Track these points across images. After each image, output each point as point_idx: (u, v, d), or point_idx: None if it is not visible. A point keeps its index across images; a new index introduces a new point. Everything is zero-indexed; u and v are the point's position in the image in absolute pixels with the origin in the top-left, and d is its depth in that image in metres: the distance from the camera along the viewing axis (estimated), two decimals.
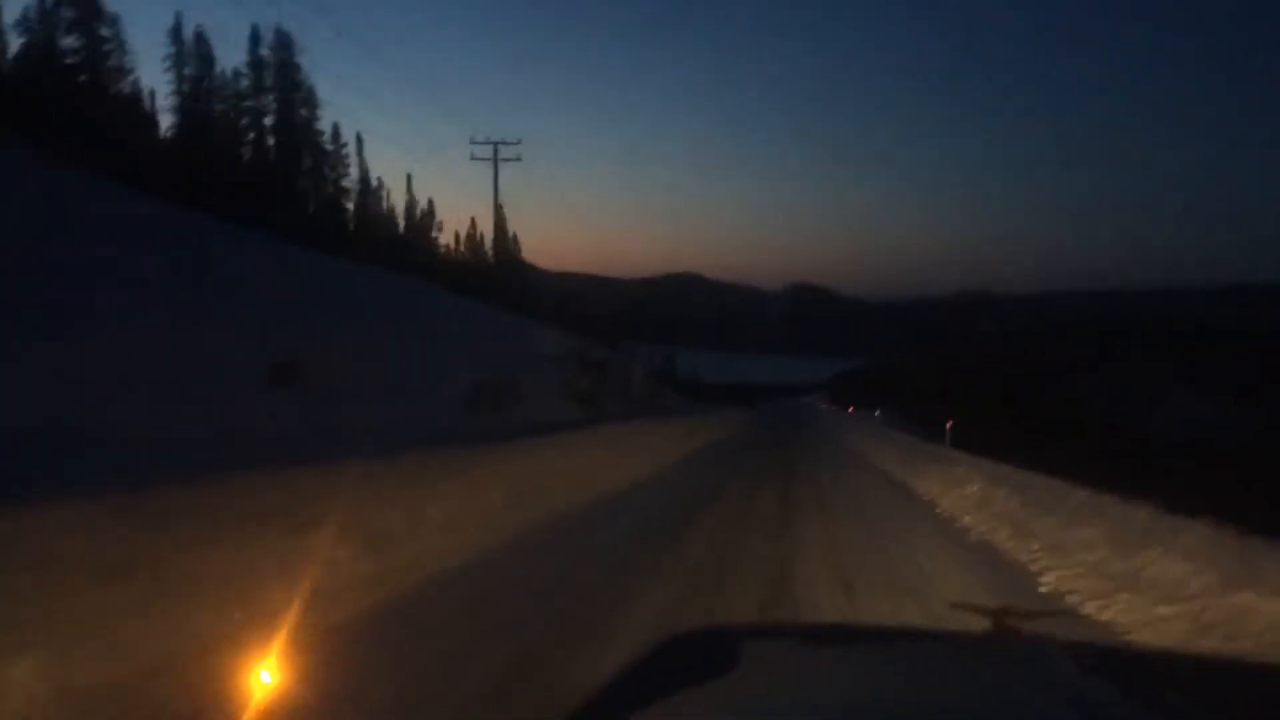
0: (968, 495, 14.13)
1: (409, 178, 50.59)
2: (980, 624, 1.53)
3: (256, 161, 32.47)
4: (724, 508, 11.97)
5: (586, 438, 14.96)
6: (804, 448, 25.69)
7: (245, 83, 32.93)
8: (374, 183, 42.99)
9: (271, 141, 33.96)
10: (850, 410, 76.58)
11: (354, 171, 41.40)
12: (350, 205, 41.22)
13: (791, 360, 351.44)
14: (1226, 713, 1.10)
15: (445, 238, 61.47)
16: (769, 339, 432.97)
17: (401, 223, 46.43)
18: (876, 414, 58.04)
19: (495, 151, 38.37)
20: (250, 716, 2.01)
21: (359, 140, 43.91)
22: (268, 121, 33.77)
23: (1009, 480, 13.44)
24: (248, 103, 32.84)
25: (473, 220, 54.17)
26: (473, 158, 38.64)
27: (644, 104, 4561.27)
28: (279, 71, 33.36)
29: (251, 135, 33.29)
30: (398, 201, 48.34)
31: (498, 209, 37.51)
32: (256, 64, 32.89)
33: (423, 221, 46.89)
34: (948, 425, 22.56)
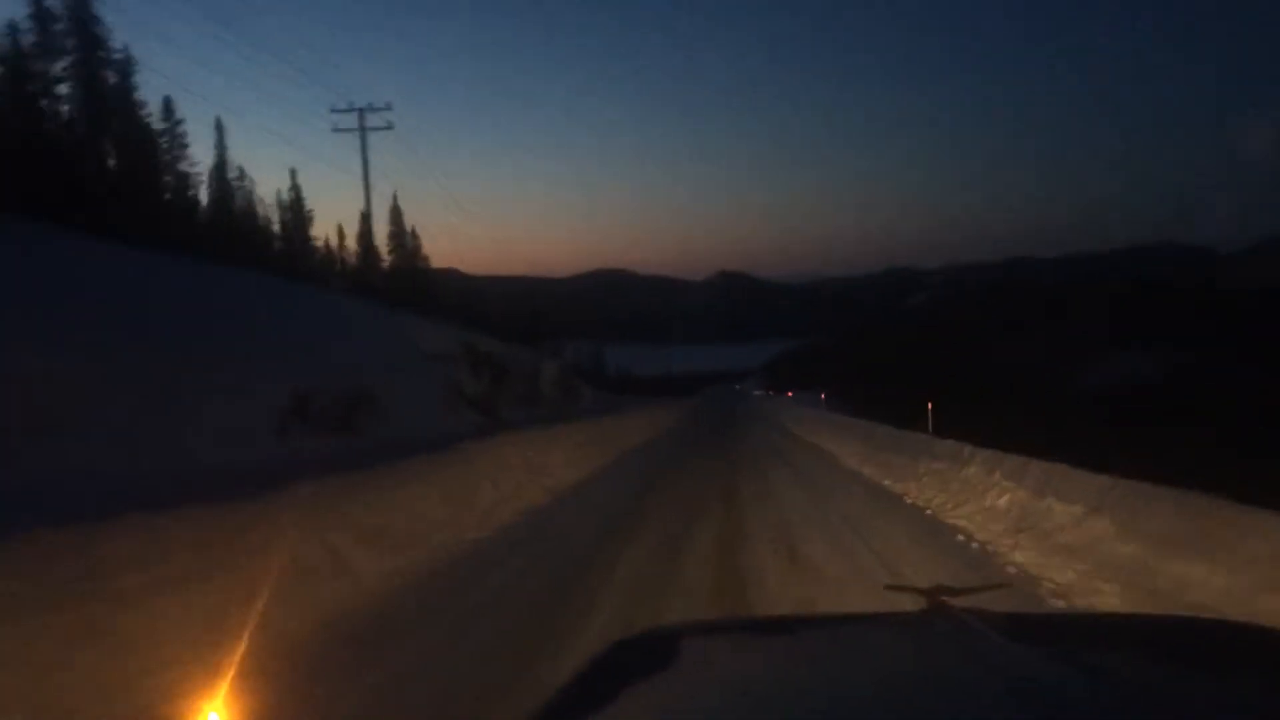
0: (999, 509, 9.26)
1: (292, 172, 43.03)
2: (915, 603, 1.53)
3: (51, 138, 25.86)
4: (621, 590, 6.68)
5: (443, 468, 9.74)
6: (748, 449, 21.37)
7: (31, 40, 26.27)
8: (233, 171, 36.15)
9: (72, 115, 27.35)
10: (789, 394, 72.70)
11: (207, 156, 35.10)
12: (202, 196, 34.44)
13: (723, 348, 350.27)
14: (1161, 676, 1.12)
15: (326, 233, 54.86)
16: (700, 329, 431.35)
17: (274, 222, 39.68)
18: (822, 397, 54.59)
19: (361, 119, 32.40)
20: None
21: (219, 124, 36.85)
22: (63, 90, 27.14)
23: (1065, 486, 8.50)
24: (36, 65, 26.20)
25: (363, 216, 47.25)
26: (335, 129, 32.62)
27: (564, 108, 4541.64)
28: (73, 24, 26.81)
29: (44, 104, 26.67)
30: (269, 192, 42.32)
31: (367, 186, 31.27)
32: (41, 15, 26.26)
33: (294, 214, 40.25)
34: (928, 406, 17.68)
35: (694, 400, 75.21)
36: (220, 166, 35.58)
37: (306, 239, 40.74)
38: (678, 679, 1.28)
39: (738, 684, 1.21)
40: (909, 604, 1.57)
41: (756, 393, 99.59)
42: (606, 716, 1.13)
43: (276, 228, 39.35)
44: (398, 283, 46.54)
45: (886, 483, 12.87)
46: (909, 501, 11.12)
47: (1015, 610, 1.52)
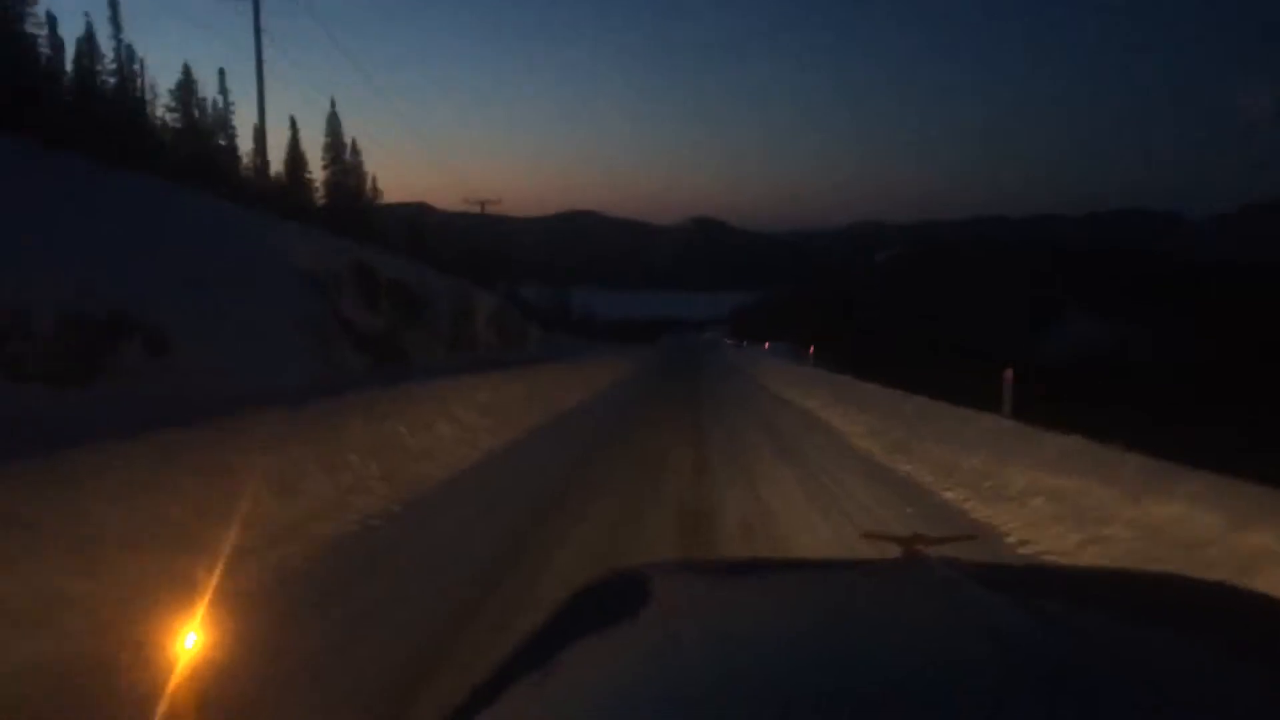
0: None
1: (186, 67, 38.93)
2: (891, 551, 1.54)
3: None
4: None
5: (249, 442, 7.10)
6: (721, 405, 17.89)
7: None
8: (120, 61, 31.94)
9: None
10: (765, 346, 67.24)
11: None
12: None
13: (690, 295, 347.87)
14: (1134, 626, 1.14)
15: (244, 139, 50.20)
16: (668, 274, 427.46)
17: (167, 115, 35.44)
18: (810, 352, 43.52)
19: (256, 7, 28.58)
20: None
21: (113, 6, 32.21)
22: None
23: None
24: None
25: (294, 122, 42.92)
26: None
27: (540, 44, 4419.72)
28: None
29: None
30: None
31: (260, 81, 27.41)
32: None
33: (186, 109, 36.23)
34: (1007, 376, 11.87)
35: (657, 345, 72.44)
36: (89, 41, 31.27)
37: (200, 137, 35.66)
38: (654, 620, 1.27)
39: (715, 625, 1.21)
40: (885, 552, 1.56)
41: (728, 341, 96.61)
42: (582, 655, 1.14)
43: (177, 124, 35.44)
44: (336, 202, 42.83)
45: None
46: None
47: (992, 560, 1.51)
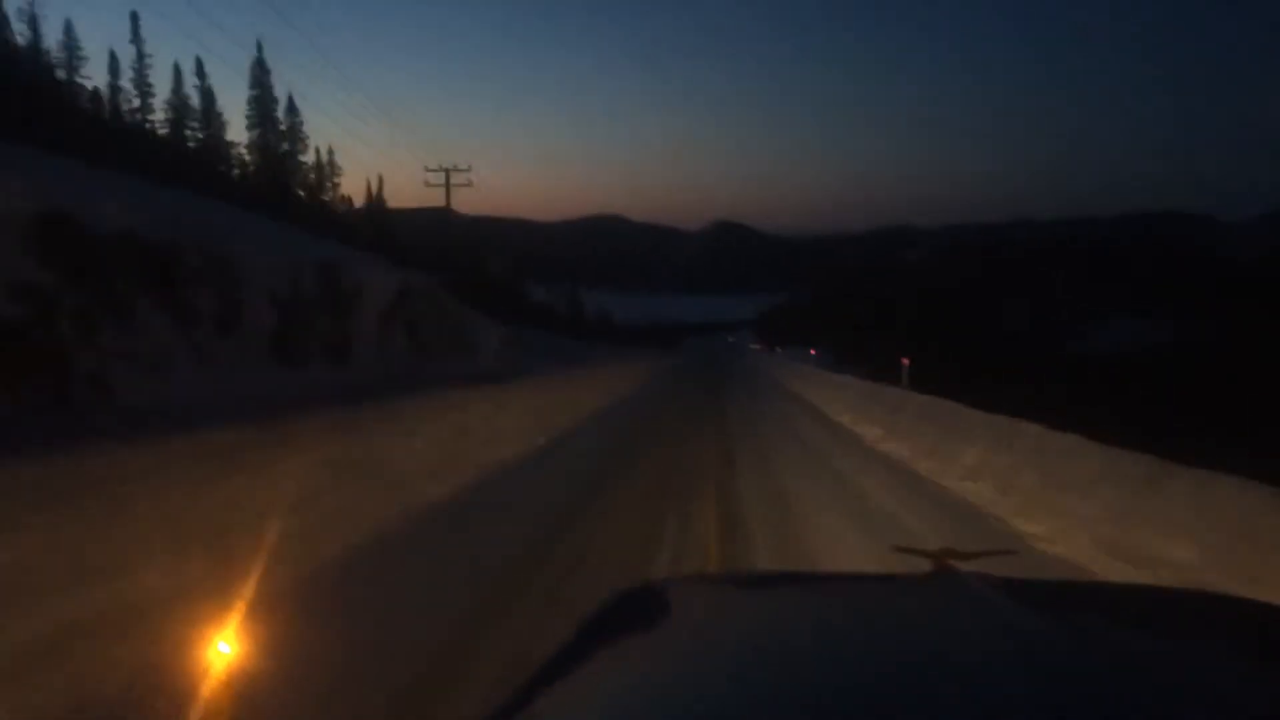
0: None
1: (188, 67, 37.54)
2: (922, 565, 1.54)
3: None
4: None
5: None
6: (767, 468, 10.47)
7: None
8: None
9: None
10: (812, 352, 58.64)
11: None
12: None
13: (714, 299, 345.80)
14: (1167, 644, 1.13)
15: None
16: (692, 277, 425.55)
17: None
18: (905, 365, 34.09)
19: None
20: None
21: None
22: None
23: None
24: None
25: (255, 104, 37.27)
26: None
27: (568, 51, 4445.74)
28: None
29: None
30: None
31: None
32: None
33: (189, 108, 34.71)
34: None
35: (680, 350, 68.16)
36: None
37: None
38: (682, 632, 1.27)
39: (743, 638, 1.21)
40: (916, 566, 1.54)
41: (754, 346, 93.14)
42: (610, 668, 1.14)
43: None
44: (262, 171, 35.22)
45: None
46: None
47: (1023, 575, 1.49)
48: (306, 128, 39.74)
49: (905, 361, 22.39)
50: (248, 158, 37.75)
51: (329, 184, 42.74)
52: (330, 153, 42.98)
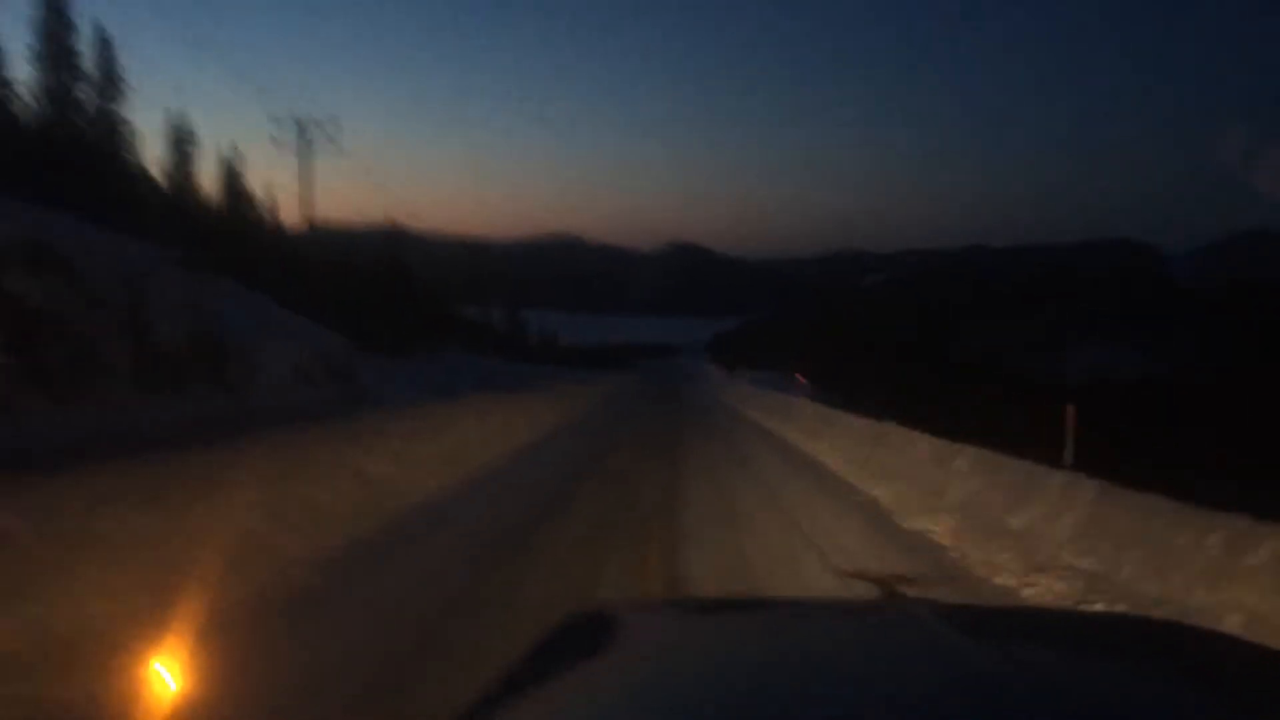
0: None
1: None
2: (870, 591, 1.51)
3: None
4: None
5: None
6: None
7: None
8: None
9: None
10: (800, 380, 45.17)
11: None
12: None
13: (668, 321, 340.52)
14: (1111, 671, 1.13)
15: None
16: (648, 299, 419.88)
17: None
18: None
19: None
20: None
21: None
22: None
23: None
24: None
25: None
26: None
27: (524, 69, 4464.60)
28: None
29: None
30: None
31: None
32: None
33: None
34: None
35: (629, 376, 59.08)
36: None
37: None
38: (628, 658, 1.26)
39: (690, 663, 1.20)
40: (864, 591, 1.55)
41: (712, 369, 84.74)
42: (560, 692, 1.12)
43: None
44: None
45: None
46: None
47: (968, 602, 1.65)
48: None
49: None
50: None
51: (177, 161, 34.14)
52: (185, 126, 33.97)
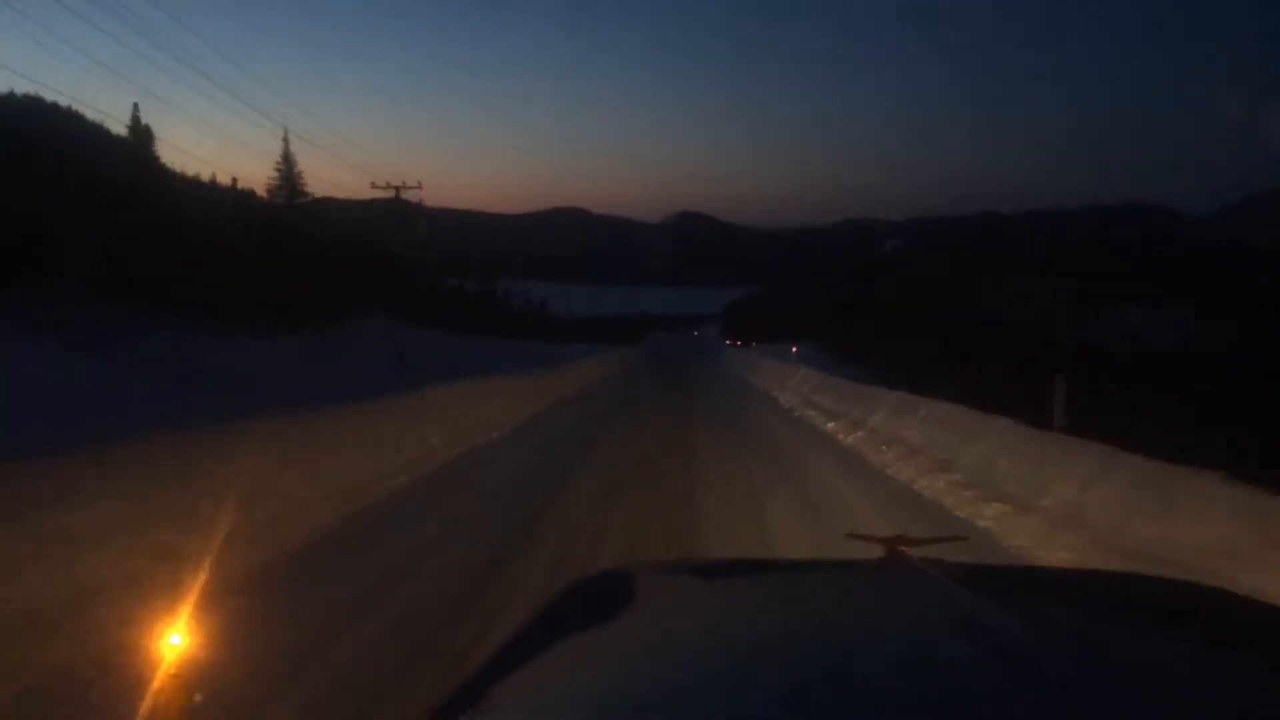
0: None
1: None
2: (875, 552, 1.53)
3: None
4: None
5: None
6: None
7: None
8: None
9: None
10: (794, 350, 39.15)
11: None
12: None
13: (677, 292, 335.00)
14: (1117, 627, 1.14)
15: None
16: (656, 270, 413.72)
17: None
18: None
19: None
20: None
21: None
22: None
23: None
24: None
25: None
26: None
27: (529, 40, 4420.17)
28: None
29: None
30: None
31: None
32: None
33: None
34: None
35: (632, 351, 48.44)
36: None
37: None
38: (638, 620, 1.26)
39: (698, 625, 1.20)
40: (868, 552, 1.53)
41: (726, 343, 79.07)
42: (566, 654, 1.13)
43: None
44: None
45: None
46: None
47: (974, 562, 1.47)
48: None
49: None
50: None
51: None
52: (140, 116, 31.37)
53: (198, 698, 1.59)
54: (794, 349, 42.89)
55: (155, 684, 1.47)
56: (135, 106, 41.44)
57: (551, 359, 27.74)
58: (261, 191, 49.87)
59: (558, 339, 65.24)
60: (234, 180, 53.54)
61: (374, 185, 34.32)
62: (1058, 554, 6.44)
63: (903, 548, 1.51)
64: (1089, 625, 1.12)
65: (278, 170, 48.70)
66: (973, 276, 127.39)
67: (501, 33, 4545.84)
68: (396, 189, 34.31)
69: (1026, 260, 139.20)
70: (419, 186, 34.69)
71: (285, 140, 48.30)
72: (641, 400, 20.90)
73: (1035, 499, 7.66)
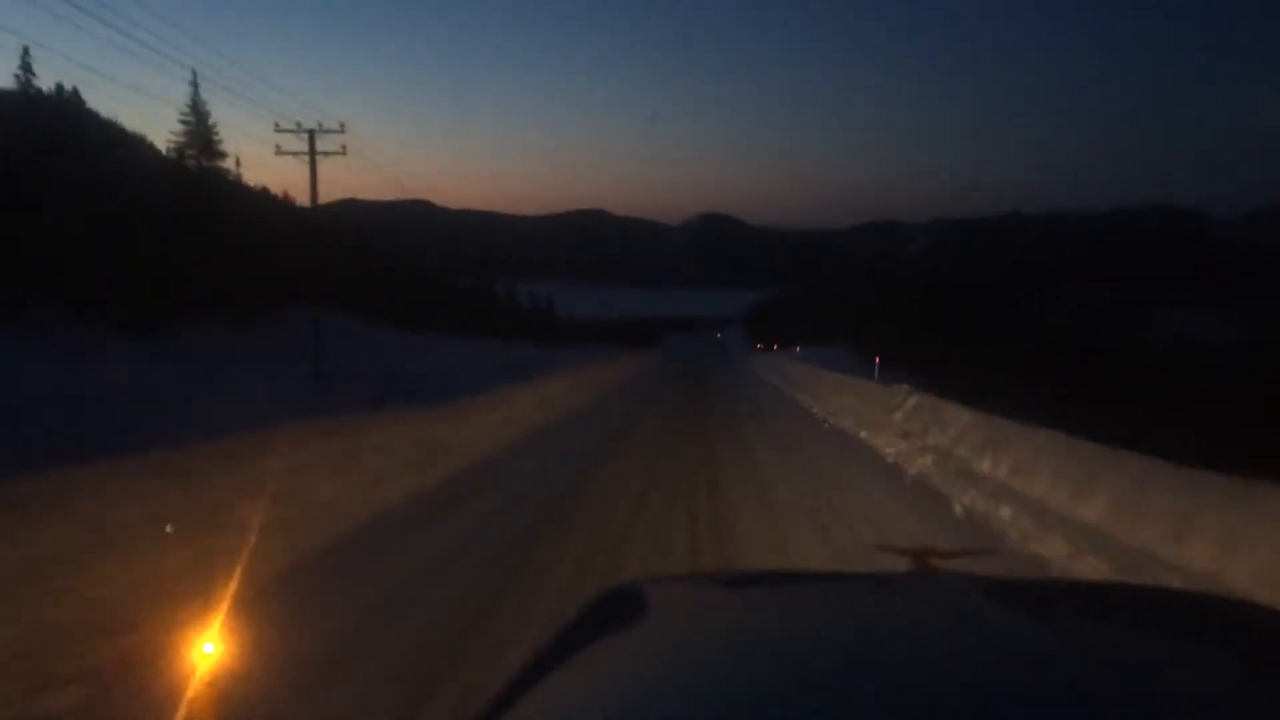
0: None
1: None
2: (902, 564, 1.53)
3: None
4: None
5: None
6: None
7: None
8: None
9: None
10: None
11: None
12: None
13: (698, 293, 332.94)
14: (1146, 641, 1.13)
15: None
16: (679, 272, 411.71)
17: None
18: None
19: None
20: None
21: None
22: None
23: None
24: None
25: None
26: None
27: (550, 43, 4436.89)
28: None
29: None
30: None
31: None
32: None
33: None
34: None
35: (618, 375, 31.41)
36: None
37: None
38: (665, 632, 1.25)
39: (724, 638, 1.20)
40: (896, 565, 1.51)
41: (756, 347, 75.17)
42: (593, 668, 1.13)
43: None
44: None
45: None
46: None
47: (1003, 575, 1.45)
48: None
49: None
50: None
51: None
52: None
53: None
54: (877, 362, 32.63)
55: None
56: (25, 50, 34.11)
57: (525, 368, 21.92)
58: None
59: (560, 341, 61.32)
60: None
61: (278, 128, 24.74)
62: None
63: (931, 560, 1.48)
64: (1118, 639, 1.11)
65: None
66: (1008, 279, 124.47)
67: (523, 35, 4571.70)
68: (310, 132, 24.79)
69: (1061, 263, 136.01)
70: (341, 130, 25.65)
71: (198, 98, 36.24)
72: (658, 400, 14.94)
73: None
